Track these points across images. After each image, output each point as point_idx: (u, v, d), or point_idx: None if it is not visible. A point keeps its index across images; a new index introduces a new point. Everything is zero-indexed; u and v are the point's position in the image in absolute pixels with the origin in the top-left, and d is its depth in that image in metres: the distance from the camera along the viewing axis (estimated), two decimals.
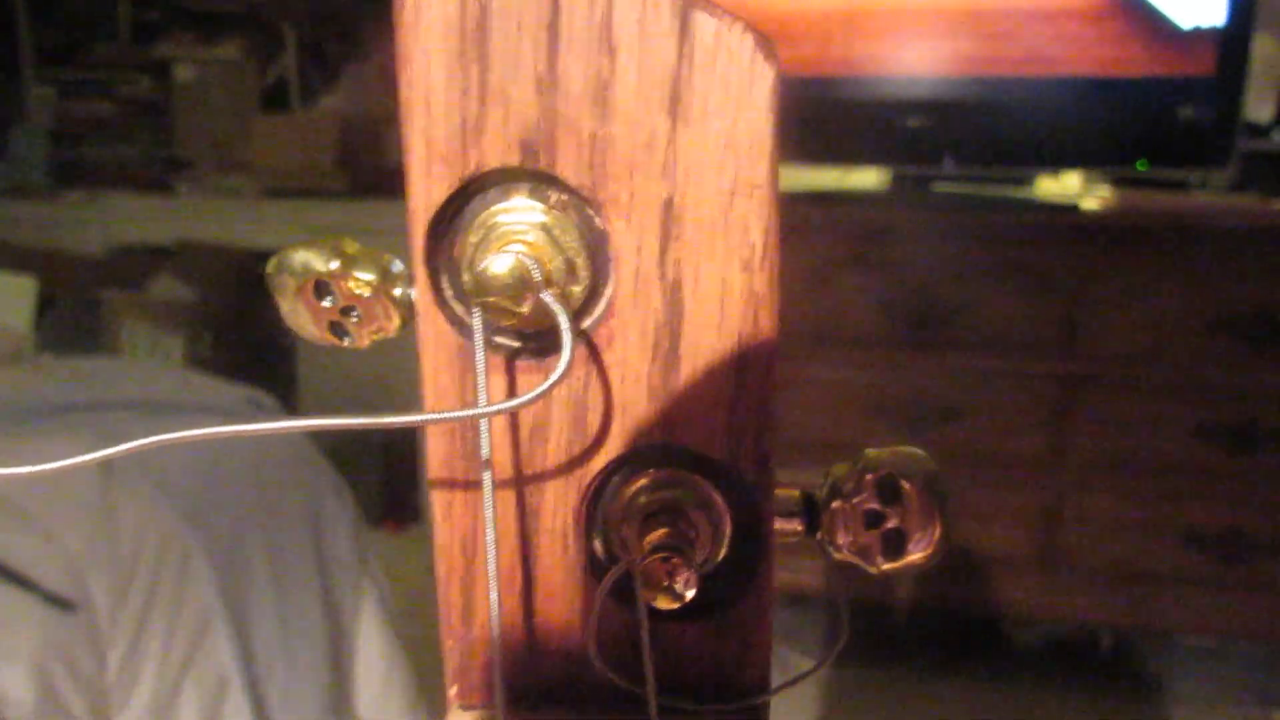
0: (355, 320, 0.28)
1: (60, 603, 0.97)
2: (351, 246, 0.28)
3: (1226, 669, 1.56)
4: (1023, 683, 1.55)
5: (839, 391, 1.45)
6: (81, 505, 1.02)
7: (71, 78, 2.61)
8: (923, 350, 1.43)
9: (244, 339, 2.40)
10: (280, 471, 1.25)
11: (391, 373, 2.04)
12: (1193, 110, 1.35)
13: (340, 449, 1.40)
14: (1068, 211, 1.43)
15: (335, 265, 0.27)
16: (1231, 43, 1.32)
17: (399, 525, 2.06)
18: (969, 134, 1.46)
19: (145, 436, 0.22)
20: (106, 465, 1.04)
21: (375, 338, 0.28)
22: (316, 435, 1.34)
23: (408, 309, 0.27)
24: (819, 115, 1.41)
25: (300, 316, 0.28)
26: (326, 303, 0.28)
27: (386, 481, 2.08)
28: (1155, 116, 1.39)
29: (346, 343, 0.28)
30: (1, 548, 0.96)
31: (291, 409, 1.98)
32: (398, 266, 0.28)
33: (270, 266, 0.28)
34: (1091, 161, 1.52)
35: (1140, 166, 1.45)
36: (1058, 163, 1.54)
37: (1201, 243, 1.36)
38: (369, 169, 2.32)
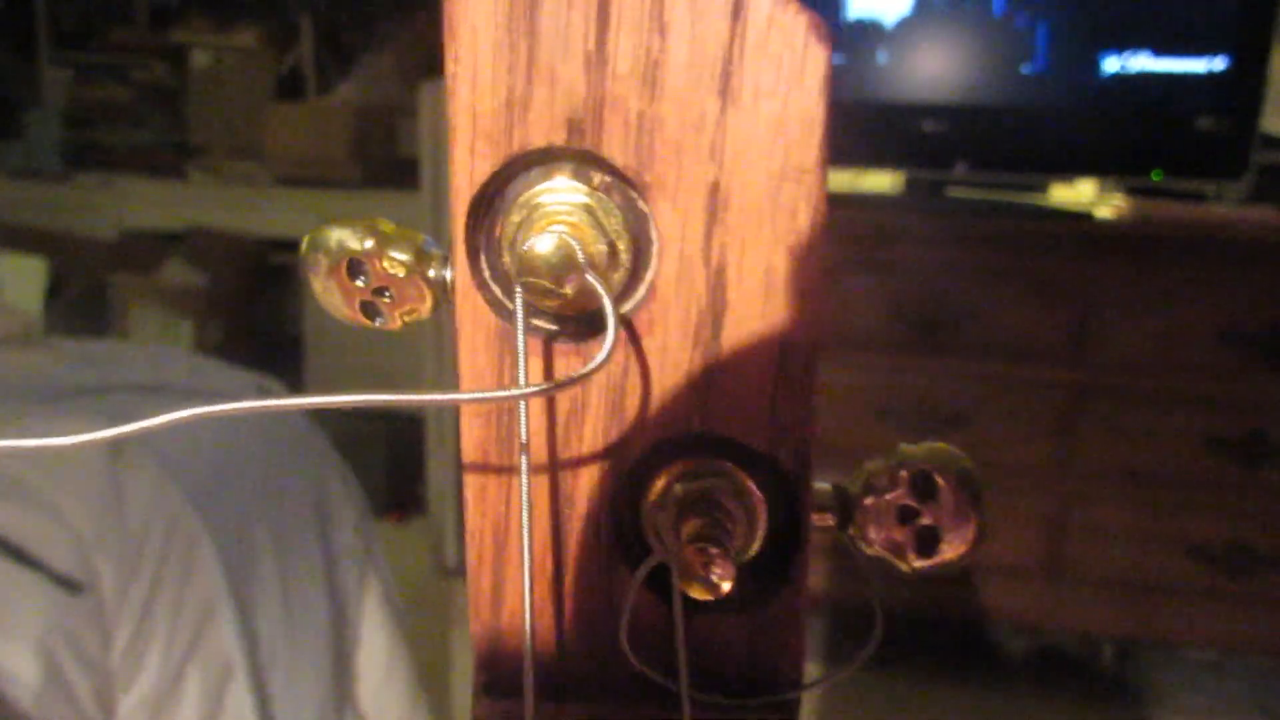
0: (388, 301, 0.27)
1: (67, 583, 0.97)
2: (387, 226, 0.27)
3: (1229, 683, 1.55)
4: (1023, 692, 1.55)
5: (845, 394, 1.44)
6: (90, 486, 1.01)
7: (88, 61, 2.61)
8: (931, 355, 1.42)
9: (252, 325, 2.40)
10: (287, 459, 1.25)
11: (397, 361, 2.04)
12: (1210, 121, 1.35)
13: (345, 438, 1.39)
14: (1081, 219, 1.43)
15: (370, 244, 0.27)
16: (1249, 54, 1.32)
17: (403, 516, 2.06)
18: (983, 139, 1.45)
19: (153, 419, 0.22)
20: (115, 447, 1.03)
21: (407, 319, 0.28)
22: (323, 423, 1.33)
23: (441, 290, 0.27)
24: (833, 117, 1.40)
25: (332, 296, 0.28)
26: (359, 282, 0.27)
27: (391, 472, 2.08)
28: (1172, 126, 1.38)
29: (378, 323, 0.28)
30: (10, 527, 0.96)
31: (299, 396, 1.98)
32: (432, 247, 0.27)
33: (304, 244, 0.28)
34: (1106, 170, 1.52)
35: (1155, 176, 1.44)
36: (1072, 170, 1.53)
37: (1214, 254, 1.36)
38: (382, 159, 2.32)
